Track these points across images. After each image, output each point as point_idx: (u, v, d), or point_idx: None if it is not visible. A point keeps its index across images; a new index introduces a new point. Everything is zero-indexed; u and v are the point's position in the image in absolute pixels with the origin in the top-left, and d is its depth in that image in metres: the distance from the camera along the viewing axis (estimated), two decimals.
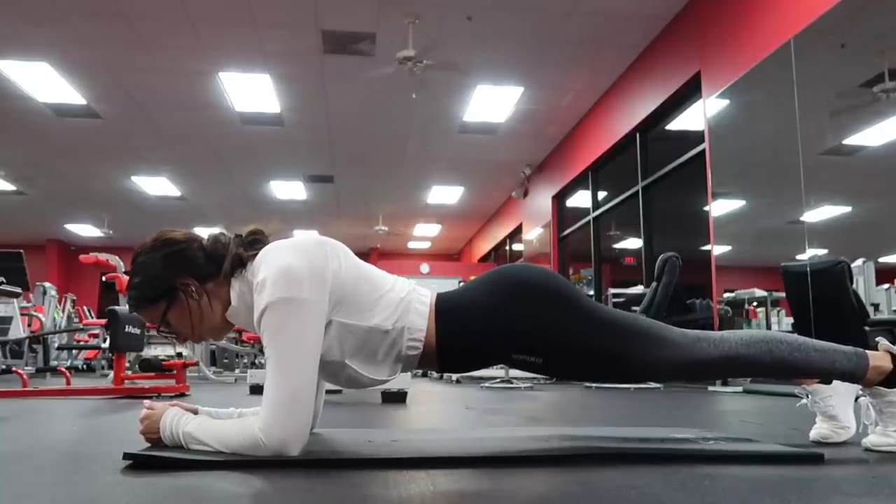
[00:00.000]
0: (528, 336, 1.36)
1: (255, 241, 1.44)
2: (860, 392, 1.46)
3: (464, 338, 1.39)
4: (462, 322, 1.40)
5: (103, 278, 5.04)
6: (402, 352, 1.38)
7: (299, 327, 1.26)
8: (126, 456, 1.23)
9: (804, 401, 1.58)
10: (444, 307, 1.42)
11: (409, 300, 1.40)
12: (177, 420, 1.30)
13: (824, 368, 1.39)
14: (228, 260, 1.40)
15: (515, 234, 12.23)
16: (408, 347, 1.38)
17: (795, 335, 1.42)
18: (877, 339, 1.48)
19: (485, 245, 14.43)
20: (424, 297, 1.42)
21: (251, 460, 1.18)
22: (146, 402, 1.36)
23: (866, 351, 1.42)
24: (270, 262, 1.31)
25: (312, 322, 1.28)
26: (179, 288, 1.39)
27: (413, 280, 1.48)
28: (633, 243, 8.01)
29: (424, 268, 13.87)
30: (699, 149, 5.81)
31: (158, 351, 5.83)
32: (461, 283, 1.52)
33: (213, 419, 1.32)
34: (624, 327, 1.38)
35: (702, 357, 1.35)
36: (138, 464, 1.20)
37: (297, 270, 1.28)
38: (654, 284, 4.68)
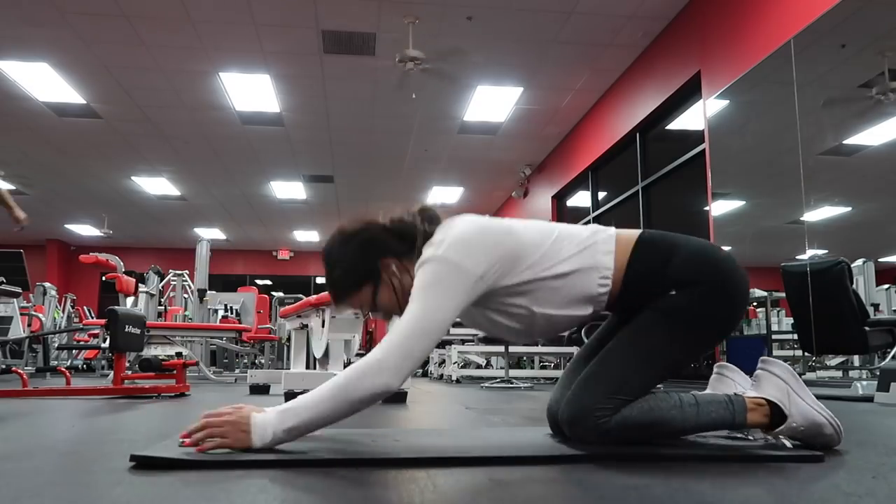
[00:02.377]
0: (691, 299, 1.42)
1: (433, 218, 1.49)
2: (768, 437, 1.44)
3: (655, 262, 1.45)
4: (664, 251, 1.46)
5: (103, 278, 5.03)
6: (594, 290, 1.44)
7: (447, 290, 1.32)
8: (133, 458, 1.22)
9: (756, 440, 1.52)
10: (653, 237, 1.49)
11: (594, 242, 1.46)
12: (278, 420, 1.25)
13: (701, 422, 1.42)
14: (421, 236, 1.44)
15: None
16: (599, 285, 1.43)
17: (673, 393, 1.46)
18: (741, 391, 1.49)
19: None
20: (609, 237, 1.48)
21: (250, 460, 1.18)
22: (228, 407, 1.29)
23: (741, 395, 1.45)
24: (453, 226, 1.40)
25: (462, 290, 1.33)
26: (382, 269, 1.44)
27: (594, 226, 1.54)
28: None
29: None
30: (699, 149, 5.81)
31: (158, 351, 5.83)
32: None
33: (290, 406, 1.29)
34: (664, 372, 1.47)
35: (621, 420, 1.38)
36: (138, 463, 1.20)
37: (471, 241, 1.36)
38: None
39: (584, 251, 1.45)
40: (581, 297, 1.45)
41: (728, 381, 1.57)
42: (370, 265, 1.45)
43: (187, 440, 1.25)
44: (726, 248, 5.47)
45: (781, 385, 1.43)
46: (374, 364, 1.27)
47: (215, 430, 1.24)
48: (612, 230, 1.51)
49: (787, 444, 1.41)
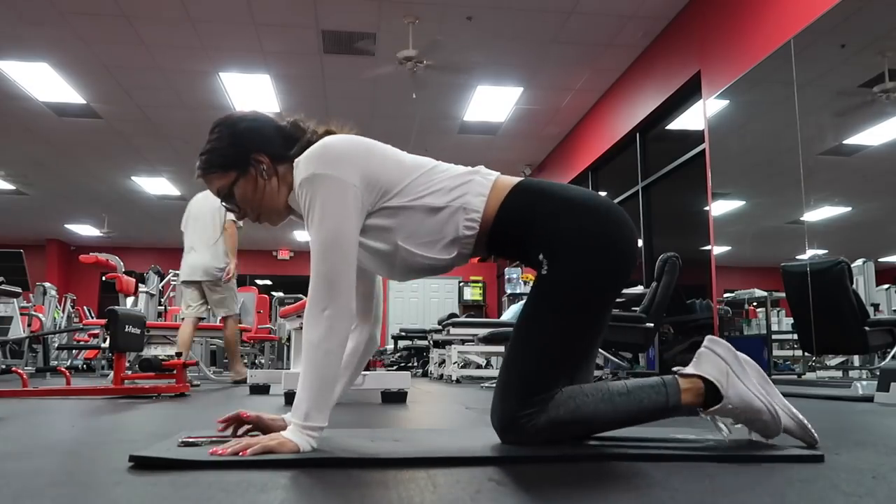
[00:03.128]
0: (564, 265, 1.37)
1: (327, 135, 1.47)
2: (702, 415, 1.40)
3: (525, 211, 1.41)
4: (535, 199, 1.42)
5: (103, 278, 5.04)
6: (459, 231, 1.40)
7: (330, 202, 1.31)
8: (132, 458, 1.22)
9: (724, 431, 1.42)
10: (529, 185, 1.45)
11: (470, 181, 1.43)
12: (296, 420, 1.27)
13: (633, 410, 1.37)
14: (300, 144, 1.44)
15: None
16: (465, 227, 1.40)
17: (604, 383, 1.40)
18: (674, 368, 1.45)
19: None
20: (486, 181, 1.44)
21: (250, 461, 1.18)
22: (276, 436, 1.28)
23: (675, 377, 1.40)
24: (320, 143, 1.38)
25: (345, 198, 1.32)
26: (252, 162, 1.44)
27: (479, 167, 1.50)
28: None
29: None
30: (699, 149, 5.81)
31: (158, 351, 5.83)
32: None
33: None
34: (570, 353, 1.40)
35: (550, 419, 1.35)
36: (138, 464, 1.20)
37: (337, 154, 1.35)
38: (654, 284, 4.68)
39: (458, 188, 1.41)
40: (446, 237, 1.41)
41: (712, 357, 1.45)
42: (243, 154, 1.44)
43: (221, 450, 1.22)
44: (725, 249, 5.40)
45: (721, 365, 1.38)
46: (309, 309, 1.30)
47: (256, 448, 1.22)
48: (494, 174, 1.47)
49: (723, 426, 1.38)
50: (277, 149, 1.46)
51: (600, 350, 4.43)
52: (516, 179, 1.47)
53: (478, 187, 1.42)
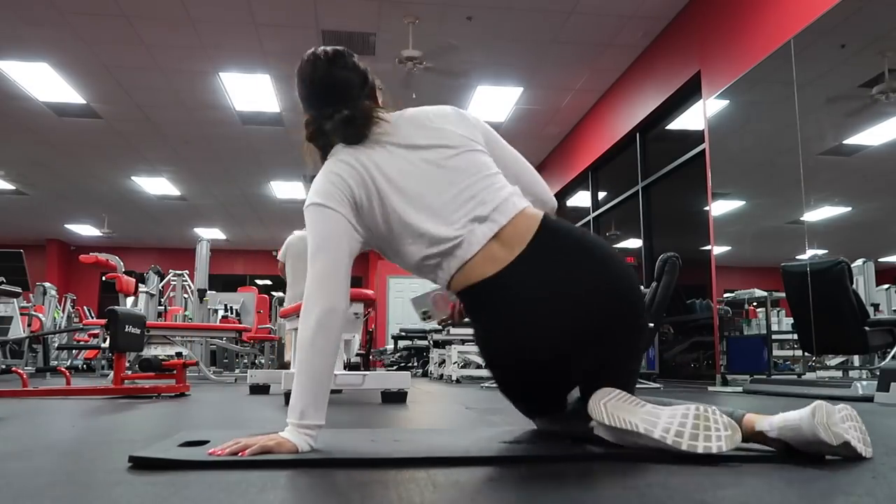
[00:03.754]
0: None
1: (360, 128, 1.54)
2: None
3: (470, 314, 1.48)
4: (481, 313, 1.45)
5: (103, 278, 5.03)
6: (431, 278, 1.49)
7: (323, 229, 1.39)
8: (132, 459, 1.22)
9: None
10: (483, 288, 1.39)
11: (437, 262, 1.43)
12: (292, 420, 1.30)
13: None
14: (324, 141, 1.56)
15: None
16: (434, 279, 1.49)
17: None
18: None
19: None
20: (450, 267, 1.43)
21: (249, 461, 1.18)
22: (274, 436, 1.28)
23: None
24: (329, 159, 1.50)
25: (335, 225, 1.40)
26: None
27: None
28: (633, 243, 8.01)
29: None
30: (699, 149, 5.81)
31: (158, 351, 5.83)
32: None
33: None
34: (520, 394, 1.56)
35: None
36: (138, 464, 1.20)
37: (328, 185, 1.43)
38: (654, 284, 4.68)
39: (429, 266, 1.48)
40: (422, 274, 1.51)
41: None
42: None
43: (220, 451, 1.23)
44: (725, 249, 5.35)
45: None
46: (303, 309, 1.36)
47: (254, 448, 1.23)
48: (471, 252, 1.39)
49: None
50: (316, 138, 1.59)
51: None
52: (485, 274, 1.37)
53: (442, 274, 1.43)
